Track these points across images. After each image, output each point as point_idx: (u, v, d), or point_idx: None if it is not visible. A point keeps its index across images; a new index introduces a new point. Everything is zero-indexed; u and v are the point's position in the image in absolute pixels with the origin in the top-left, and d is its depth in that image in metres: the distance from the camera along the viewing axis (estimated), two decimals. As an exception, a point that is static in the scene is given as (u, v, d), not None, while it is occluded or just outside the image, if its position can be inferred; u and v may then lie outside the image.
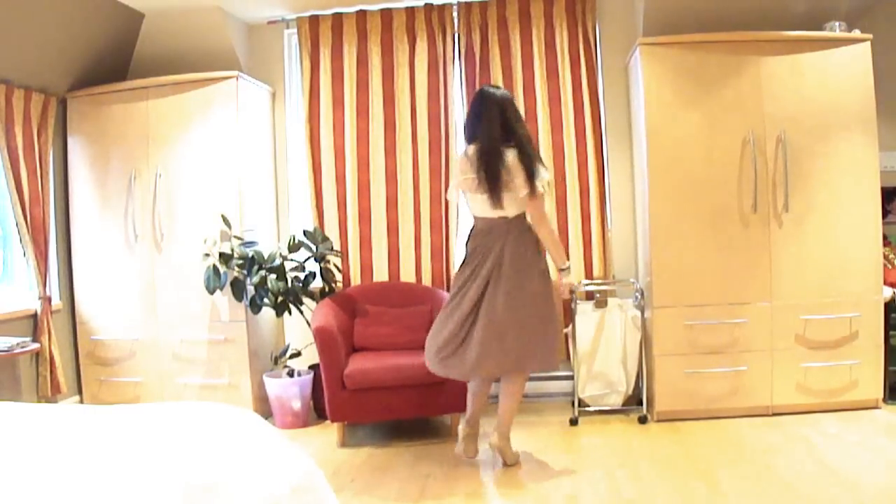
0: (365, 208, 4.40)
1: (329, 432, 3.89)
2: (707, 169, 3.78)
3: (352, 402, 3.63)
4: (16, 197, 3.82)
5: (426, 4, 4.32)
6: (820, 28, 3.84)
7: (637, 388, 4.06)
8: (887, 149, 4.08)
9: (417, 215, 4.38)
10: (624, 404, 4.05)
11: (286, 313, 4.12)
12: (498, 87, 3.29)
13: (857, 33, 3.76)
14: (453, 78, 4.37)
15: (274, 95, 4.62)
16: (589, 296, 4.20)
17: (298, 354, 4.24)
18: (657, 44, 3.80)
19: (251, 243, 4.09)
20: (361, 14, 4.37)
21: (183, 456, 1.59)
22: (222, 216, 4.05)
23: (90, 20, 3.99)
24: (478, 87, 4.25)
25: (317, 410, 4.17)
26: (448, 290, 4.34)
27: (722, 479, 2.94)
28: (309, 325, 3.95)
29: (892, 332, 3.82)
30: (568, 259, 3.25)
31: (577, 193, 4.25)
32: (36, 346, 3.75)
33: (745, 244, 3.76)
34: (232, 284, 4.02)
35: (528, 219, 3.20)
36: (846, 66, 3.73)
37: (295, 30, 4.50)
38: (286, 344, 4.38)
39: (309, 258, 4.18)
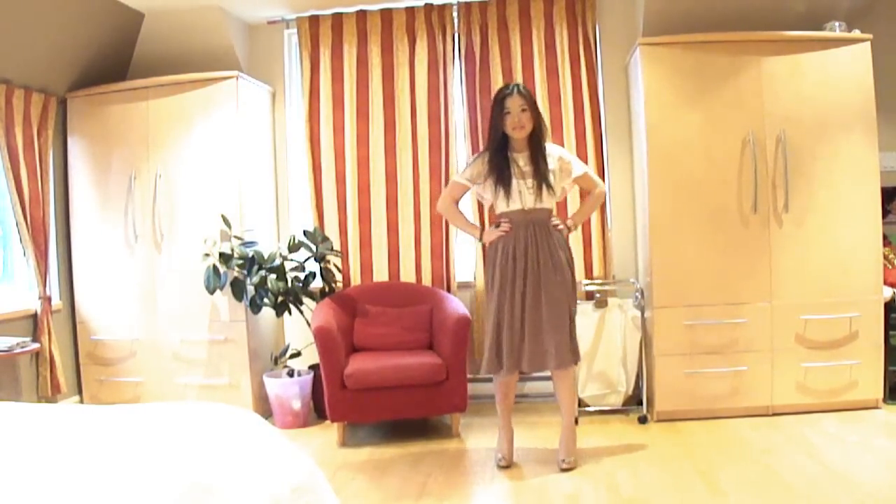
0: (365, 208, 4.40)
1: (329, 432, 3.89)
2: (707, 169, 3.78)
3: (352, 402, 3.63)
4: (16, 197, 3.82)
5: (426, 4, 4.32)
6: (820, 28, 3.84)
7: (637, 388, 4.06)
8: (887, 149, 4.07)
9: (417, 215, 4.38)
10: (624, 404, 4.05)
11: (286, 313, 4.12)
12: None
13: (857, 33, 3.76)
14: (453, 78, 4.37)
15: (274, 95, 4.62)
16: (589, 296, 4.20)
17: (298, 354, 4.24)
18: (657, 44, 3.80)
19: (251, 243, 4.09)
20: (361, 14, 4.37)
21: (183, 456, 1.59)
22: (222, 216, 4.05)
23: (90, 20, 3.99)
24: (478, 88, 4.30)
25: (317, 410, 4.17)
26: (448, 289, 4.35)
27: (722, 479, 2.94)
28: (309, 325, 3.95)
29: (892, 332, 3.81)
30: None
31: (577, 193, 4.24)
32: (36, 346, 3.75)
33: (745, 244, 3.76)
34: (232, 284, 4.02)
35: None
36: (846, 66, 3.73)
37: (295, 30, 4.50)
38: (286, 344, 4.38)
39: (309, 258, 4.18)
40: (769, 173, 3.76)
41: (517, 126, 3.13)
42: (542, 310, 3.14)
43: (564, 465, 3.17)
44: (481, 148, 4.23)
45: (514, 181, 3.16)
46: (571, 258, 3.26)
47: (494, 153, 3.20)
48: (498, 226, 3.23)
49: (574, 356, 3.19)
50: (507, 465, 3.26)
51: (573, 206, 4.17)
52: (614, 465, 3.21)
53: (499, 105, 3.16)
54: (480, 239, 3.34)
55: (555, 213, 3.29)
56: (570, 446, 3.23)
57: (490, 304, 3.24)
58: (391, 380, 3.60)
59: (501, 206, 3.21)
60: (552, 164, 3.20)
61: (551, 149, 3.26)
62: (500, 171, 3.18)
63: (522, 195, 3.16)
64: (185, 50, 4.33)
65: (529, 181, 3.16)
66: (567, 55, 4.23)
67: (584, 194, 4.18)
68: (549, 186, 3.16)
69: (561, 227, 3.24)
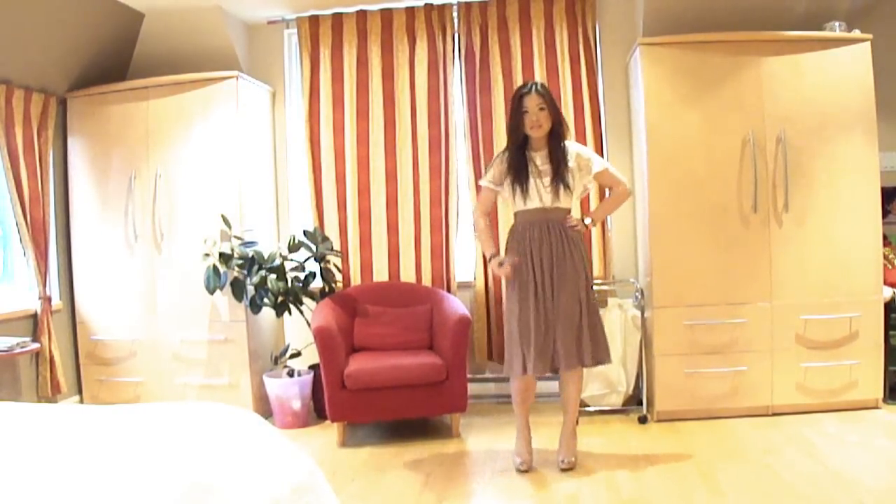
0: (365, 208, 4.40)
1: (329, 432, 3.89)
2: (707, 168, 3.78)
3: (352, 402, 3.63)
4: (16, 197, 3.82)
5: (426, 4, 4.32)
6: (820, 28, 3.84)
7: (637, 388, 4.06)
8: (887, 149, 4.07)
9: (417, 215, 4.38)
10: (624, 404, 4.05)
11: (286, 313, 4.12)
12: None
13: (857, 33, 3.76)
14: (453, 78, 4.37)
15: (274, 95, 4.62)
16: (589, 296, 4.20)
17: (298, 354, 4.24)
18: (657, 44, 3.80)
19: (251, 243, 4.09)
20: (361, 14, 4.37)
21: (183, 456, 1.59)
22: (222, 216, 4.05)
23: (90, 20, 3.99)
24: (478, 88, 4.29)
25: (317, 410, 4.17)
26: (448, 289, 4.34)
27: (722, 479, 2.94)
28: (309, 325, 3.95)
29: (892, 332, 3.82)
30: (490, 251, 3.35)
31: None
32: (36, 346, 3.75)
33: (745, 244, 3.76)
34: (232, 284, 4.02)
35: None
36: (846, 66, 3.73)
37: (295, 30, 4.50)
38: (286, 344, 4.38)
39: (309, 258, 4.18)
40: (769, 173, 3.76)
41: (535, 125, 3.11)
42: (557, 310, 3.12)
43: (564, 465, 3.17)
44: (482, 148, 4.27)
45: (531, 180, 3.15)
46: (586, 258, 3.23)
47: (513, 152, 3.20)
48: (503, 263, 3.20)
49: (581, 358, 3.14)
50: (527, 468, 3.19)
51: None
52: (614, 465, 3.21)
53: (517, 104, 3.15)
54: (489, 262, 3.31)
55: (573, 211, 3.28)
56: (571, 446, 3.23)
57: (510, 304, 3.21)
58: (391, 380, 3.60)
59: (519, 205, 3.20)
60: (570, 161, 3.18)
61: (570, 146, 3.24)
62: (517, 170, 3.17)
63: (540, 194, 3.15)
64: (185, 50, 4.32)
65: (546, 180, 3.15)
66: (567, 55, 4.23)
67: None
68: (567, 186, 3.15)
69: (579, 226, 3.22)
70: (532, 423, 3.30)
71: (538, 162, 3.17)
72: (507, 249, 3.27)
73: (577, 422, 3.30)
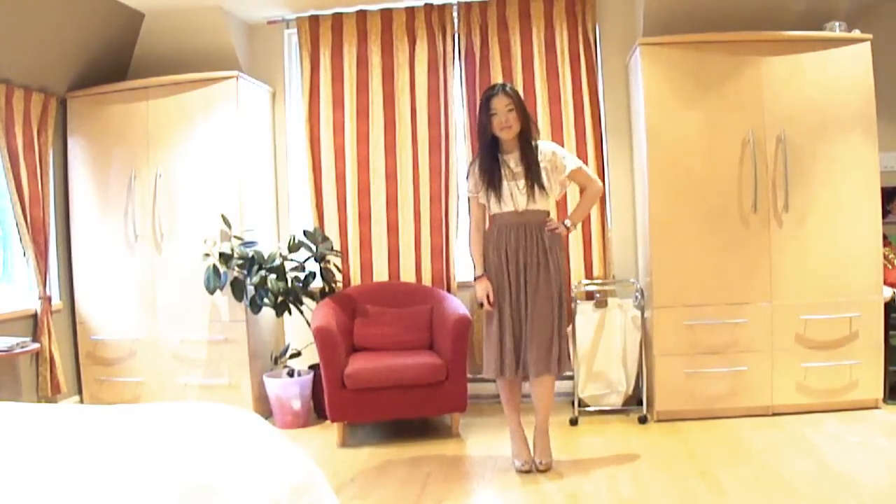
0: (365, 208, 4.40)
1: (329, 432, 3.89)
2: (707, 169, 3.78)
3: (352, 402, 3.63)
4: (16, 197, 3.82)
5: (426, 4, 4.32)
6: (820, 28, 3.84)
7: (637, 388, 4.06)
8: (887, 149, 4.07)
9: (417, 215, 4.38)
10: (624, 404, 4.05)
11: (286, 313, 4.12)
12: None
13: (857, 33, 3.76)
14: (453, 78, 4.37)
15: (274, 95, 4.62)
16: (589, 296, 4.20)
17: (298, 354, 4.24)
18: (657, 44, 3.80)
19: (251, 243, 4.09)
20: (361, 14, 4.37)
21: (183, 456, 1.59)
22: (222, 216, 4.05)
23: (90, 20, 3.99)
24: (478, 88, 4.29)
25: (317, 410, 4.17)
26: (448, 289, 4.34)
27: (722, 479, 2.94)
28: (309, 325, 3.95)
29: (892, 332, 3.82)
30: (476, 269, 3.31)
31: (577, 193, 4.23)
32: (36, 346, 3.75)
33: (745, 244, 3.76)
34: (232, 284, 4.02)
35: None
36: (846, 66, 3.73)
37: (295, 30, 4.50)
38: (286, 344, 4.38)
39: (309, 258, 4.18)
40: (769, 173, 3.76)
41: (504, 126, 3.11)
42: (532, 317, 3.11)
43: (542, 467, 3.17)
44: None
45: (504, 183, 3.14)
46: (564, 262, 3.22)
47: (484, 156, 3.19)
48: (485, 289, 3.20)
49: (549, 366, 3.11)
50: (529, 468, 3.18)
51: (573, 204, 4.16)
52: (614, 465, 3.21)
53: (485, 106, 3.14)
54: (475, 280, 3.30)
55: (552, 214, 3.27)
56: (545, 448, 3.22)
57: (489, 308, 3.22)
58: (391, 380, 3.60)
59: (494, 208, 3.19)
60: (544, 161, 3.17)
61: (544, 146, 3.23)
62: (490, 174, 3.16)
63: (514, 196, 3.14)
64: (185, 50, 4.32)
65: (521, 182, 3.14)
66: (567, 55, 4.23)
67: (582, 191, 4.19)
68: (542, 187, 3.14)
69: (559, 229, 3.21)
70: (528, 423, 3.31)
71: (511, 164, 3.16)
72: (484, 253, 3.26)
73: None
